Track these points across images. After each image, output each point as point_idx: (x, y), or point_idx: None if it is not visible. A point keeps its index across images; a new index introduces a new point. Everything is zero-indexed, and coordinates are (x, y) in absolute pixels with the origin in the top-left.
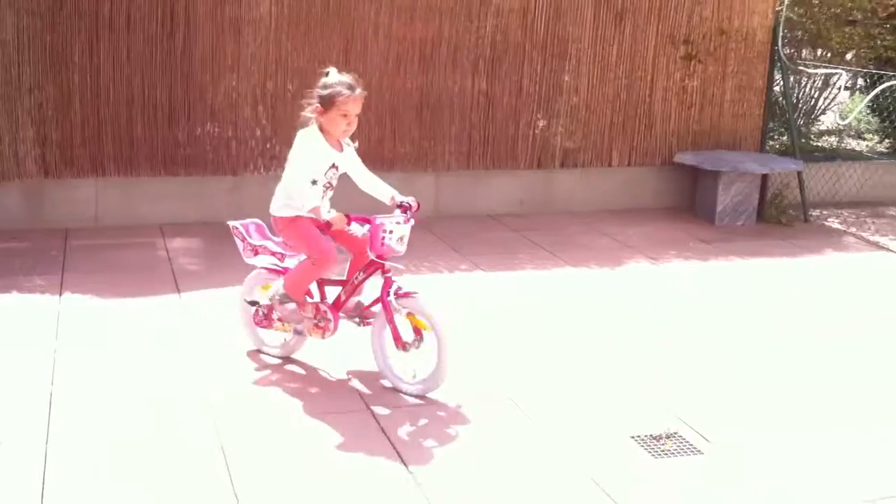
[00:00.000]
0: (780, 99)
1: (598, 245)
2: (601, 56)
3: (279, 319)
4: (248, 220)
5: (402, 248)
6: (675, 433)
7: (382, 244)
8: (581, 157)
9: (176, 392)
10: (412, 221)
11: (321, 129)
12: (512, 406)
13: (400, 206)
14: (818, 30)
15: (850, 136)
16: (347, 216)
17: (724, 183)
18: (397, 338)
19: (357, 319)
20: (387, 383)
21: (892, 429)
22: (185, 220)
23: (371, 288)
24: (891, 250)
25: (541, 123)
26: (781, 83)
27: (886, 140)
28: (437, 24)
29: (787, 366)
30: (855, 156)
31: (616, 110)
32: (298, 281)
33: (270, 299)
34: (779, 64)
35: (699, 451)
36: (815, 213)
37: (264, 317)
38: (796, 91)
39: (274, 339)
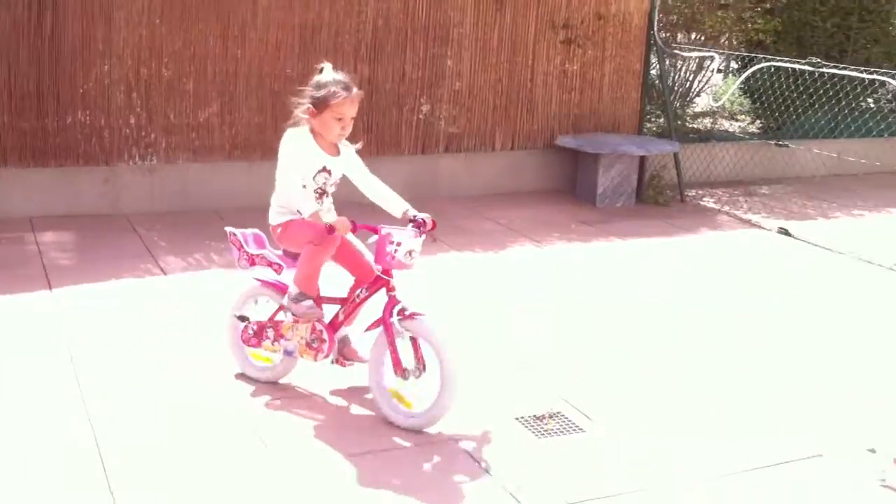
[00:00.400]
0: (657, 82)
1: (483, 229)
2: (483, 41)
3: (295, 321)
4: (248, 230)
5: (411, 264)
6: (558, 413)
7: (391, 258)
8: (465, 142)
9: (50, 394)
10: (423, 236)
11: (312, 130)
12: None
13: (412, 221)
14: (692, 14)
15: (723, 117)
16: (353, 222)
17: (604, 165)
18: (397, 363)
19: (333, 357)
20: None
21: (761, 401)
22: (56, 212)
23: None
24: (762, 227)
25: (424, 109)
26: (658, 67)
27: (758, 121)
28: (318, 9)
29: (666, 343)
30: (728, 137)
31: (498, 95)
32: (308, 270)
33: (284, 304)
34: (655, 48)
35: (581, 429)
36: (691, 192)
37: (254, 334)
38: (672, 74)
39: (262, 362)
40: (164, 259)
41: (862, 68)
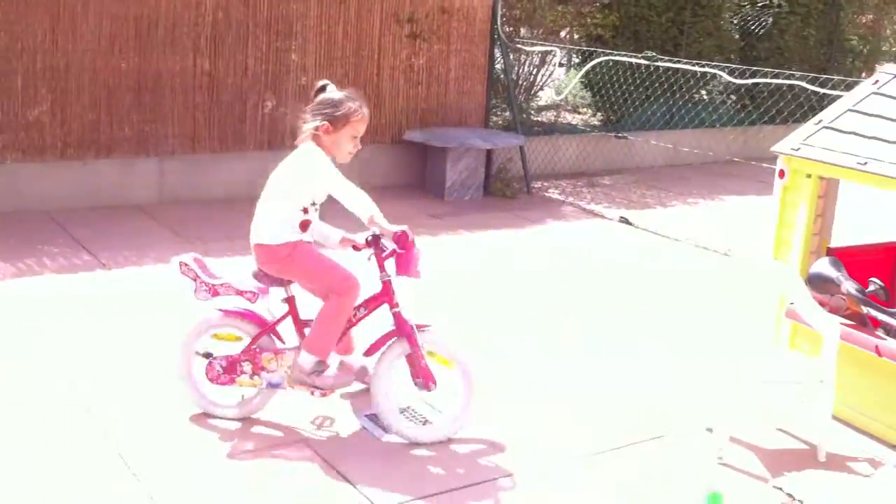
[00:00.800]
0: (502, 76)
1: (335, 224)
2: (327, 35)
3: (322, 394)
4: (190, 254)
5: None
6: (408, 407)
7: (416, 268)
8: None
9: None
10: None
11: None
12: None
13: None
14: (533, 8)
15: (566, 110)
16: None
17: (451, 159)
18: (427, 374)
19: (316, 391)
20: (392, 438)
21: (604, 386)
22: None
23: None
24: (605, 217)
25: (269, 104)
26: (502, 61)
27: (599, 114)
28: (154, 1)
29: (513, 332)
30: (571, 129)
31: (345, 89)
32: (330, 330)
33: (294, 380)
34: (499, 42)
35: (429, 421)
36: (537, 184)
37: (224, 370)
38: (516, 68)
39: (228, 398)
40: None
41: (695, 61)
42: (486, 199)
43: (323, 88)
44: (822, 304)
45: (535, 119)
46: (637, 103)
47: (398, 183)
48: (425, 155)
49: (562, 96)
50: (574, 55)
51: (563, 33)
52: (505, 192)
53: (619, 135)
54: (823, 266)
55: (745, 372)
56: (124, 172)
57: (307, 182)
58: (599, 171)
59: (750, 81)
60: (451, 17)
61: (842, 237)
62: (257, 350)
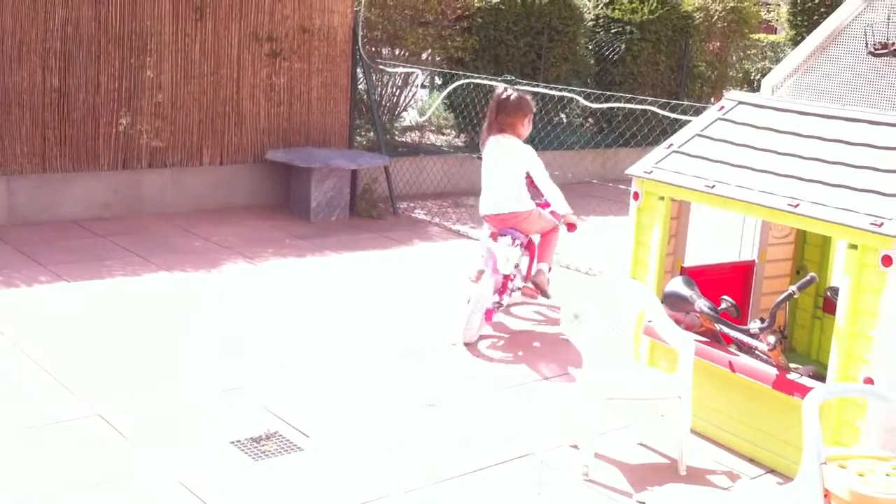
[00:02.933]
0: (365, 96)
1: (193, 247)
2: (184, 52)
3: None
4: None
5: None
6: (276, 433)
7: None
8: (170, 157)
9: None
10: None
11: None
12: (102, 422)
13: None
14: (395, 30)
15: (430, 131)
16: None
17: (316, 179)
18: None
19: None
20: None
21: (484, 410)
22: None
23: None
24: (470, 237)
25: (124, 122)
26: (365, 81)
27: (462, 135)
28: None
29: (378, 354)
30: (435, 150)
31: (204, 108)
32: (553, 250)
33: (535, 279)
34: (361, 63)
35: (300, 447)
36: (403, 205)
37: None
38: (379, 89)
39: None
40: None
41: (553, 85)
42: (352, 219)
43: (505, 90)
44: (677, 321)
45: (400, 140)
46: None
47: (262, 203)
48: (289, 175)
49: (425, 117)
50: (436, 77)
51: (424, 55)
52: (371, 212)
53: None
54: (678, 285)
55: (608, 389)
56: None
57: (542, 167)
58: (464, 191)
59: (605, 106)
60: (312, 37)
61: (694, 257)
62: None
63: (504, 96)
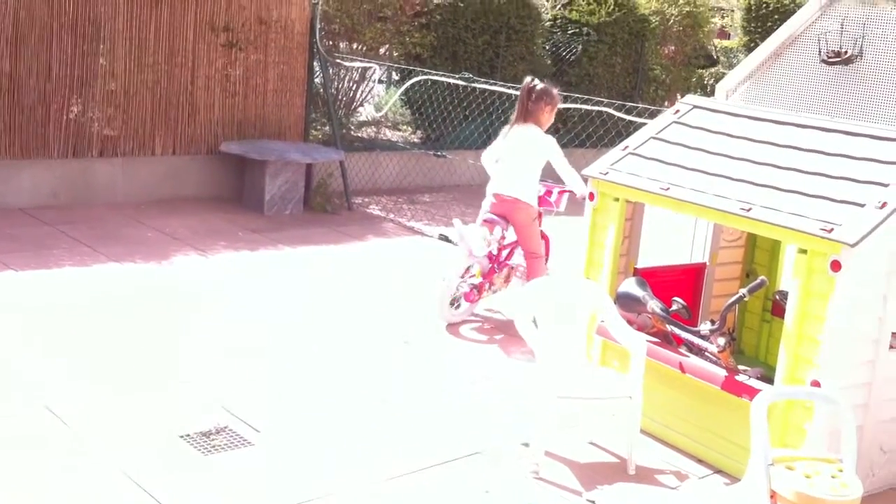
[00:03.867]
0: (321, 90)
1: (144, 238)
2: (138, 40)
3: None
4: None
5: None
6: (226, 427)
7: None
8: (121, 146)
9: None
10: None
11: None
12: (48, 414)
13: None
14: (353, 24)
15: (387, 127)
16: None
17: (270, 172)
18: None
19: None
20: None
21: (421, 405)
22: None
23: None
24: (424, 234)
25: (75, 109)
26: (322, 75)
27: (419, 131)
28: None
29: (327, 349)
30: (391, 146)
31: (157, 97)
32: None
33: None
34: (318, 56)
35: (250, 442)
36: (358, 200)
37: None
38: (336, 83)
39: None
40: None
41: (510, 84)
42: (306, 213)
43: (532, 80)
44: (629, 322)
45: (356, 135)
46: (455, 123)
47: (215, 195)
48: (243, 168)
49: (382, 113)
50: (394, 72)
51: (382, 50)
52: (325, 207)
53: (439, 153)
54: (630, 286)
55: (559, 387)
56: None
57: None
58: (420, 188)
59: (561, 106)
60: (269, 29)
61: (647, 258)
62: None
63: (531, 86)
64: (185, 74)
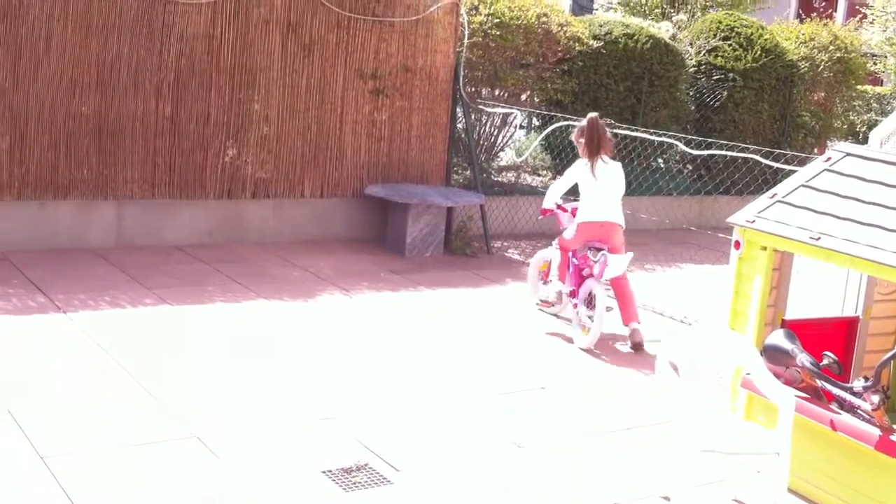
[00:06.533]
0: (463, 135)
1: (292, 277)
2: (291, 87)
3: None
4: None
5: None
6: (366, 465)
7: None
8: (273, 188)
9: None
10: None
11: None
12: (198, 443)
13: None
14: (495, 71)
15: (526, 172)
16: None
17: (412, 215)
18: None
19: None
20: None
21: (552, 449)
22: None
23: None
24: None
25: (230, 152)
26: (464, 120)
27: (558, 176)
28: (116, 47)
29: (467, 390)
30: (531, 191)
31: (307, 141)
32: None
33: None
34: (461, 102)
35: (389, 480)
36: (497, 244)
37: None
38: (478, 128)
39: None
40: None
41: (652, 130)
42: (446, 256)
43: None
44: (777, 375)
45: (496, 179)
46: None
47: (358, 237)
48: (386, 210)
49: (522, 158)
50: (535, 118)
51: (523, 96)
52: (465, 250)
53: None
54: (778, 338)
55: (702, 441)
56: (81, 215)
57: None
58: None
59: (706, 153)
60: (415, 76)
61: (796, 310)
62: None
63: (600, 121)
64: (334, 120)
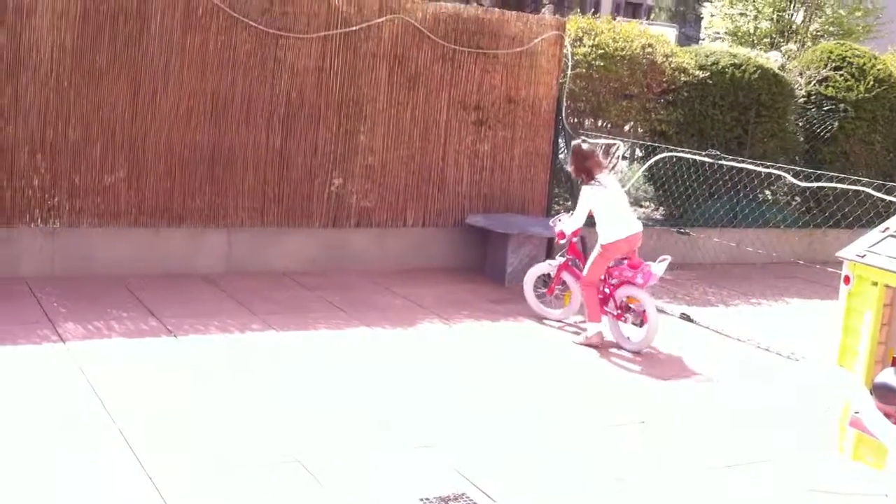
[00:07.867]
0: (565, 166)
1: (393, 305)
2: (396, 118)
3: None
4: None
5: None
6: (463, 494)
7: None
8: (376, 217)
9: None
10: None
11: None
12: (300, 468)
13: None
14: (598, 102)
15: (629, 203)
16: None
17: (513, 245)
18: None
19: None
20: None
21: (655, 479)
22: None
23: None
24: (665, 312)
25: (336, 182)
26: (566, 150)
27: (661, 208)
28: (231, 78)
29: (567, 422)
30: None
31: (410, 172)
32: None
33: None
34: (563, 132)
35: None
36: None
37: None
38: None
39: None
40: (62, 325)
41: (759, 162)
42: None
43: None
44: (887, 414)
45: None
46: (700, 200)
47: (458, 266)
48: (487, 240)
49: (625, 189)
50: (637, 149)
51: (626, 127)
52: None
53: (682, 230)
54: (889, 376)
55: (809, 481)
56: (193, 241)
57: None
58: None
59: (815, 185)
60: (517, 107)
61: None
62: None
63: (578, 146)
64: (437, 150)
